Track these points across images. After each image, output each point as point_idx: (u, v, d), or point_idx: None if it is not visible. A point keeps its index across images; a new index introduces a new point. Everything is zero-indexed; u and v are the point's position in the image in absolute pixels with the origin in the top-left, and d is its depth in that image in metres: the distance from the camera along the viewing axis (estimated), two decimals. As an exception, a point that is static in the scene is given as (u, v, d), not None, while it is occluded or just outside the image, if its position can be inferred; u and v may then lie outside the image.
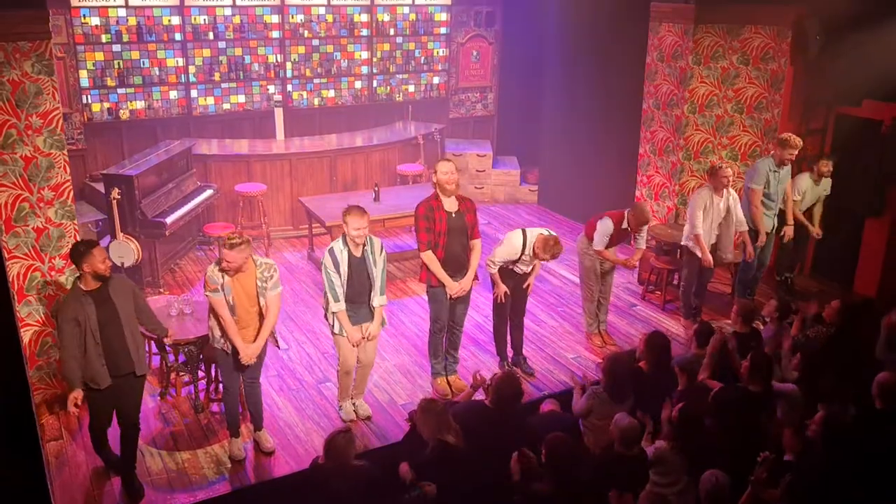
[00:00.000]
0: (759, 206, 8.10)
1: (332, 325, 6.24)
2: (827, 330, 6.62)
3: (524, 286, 7.15)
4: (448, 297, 6.67)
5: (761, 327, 6.97)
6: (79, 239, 6.33)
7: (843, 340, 6.47)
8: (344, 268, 6.07)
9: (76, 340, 5.22)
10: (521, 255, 6.89)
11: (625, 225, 7.43)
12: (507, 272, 7.00)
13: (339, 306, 6.12)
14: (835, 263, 9.31)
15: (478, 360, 7.51)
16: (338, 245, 6.11)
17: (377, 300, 6.24)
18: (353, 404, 6.62)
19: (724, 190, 7.78)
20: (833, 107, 8.97)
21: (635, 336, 7.91)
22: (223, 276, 5.63)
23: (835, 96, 8.71)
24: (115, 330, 5.36)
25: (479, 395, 5.82)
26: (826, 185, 8.65)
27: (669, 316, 8.52)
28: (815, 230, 8.73)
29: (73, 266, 5.36)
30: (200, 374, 6.65)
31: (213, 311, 5.74)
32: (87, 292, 5.28)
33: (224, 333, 5.73)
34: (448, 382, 7.03)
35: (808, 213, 8.75)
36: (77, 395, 5.25)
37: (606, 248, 7.45)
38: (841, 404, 5.55)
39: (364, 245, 6.12)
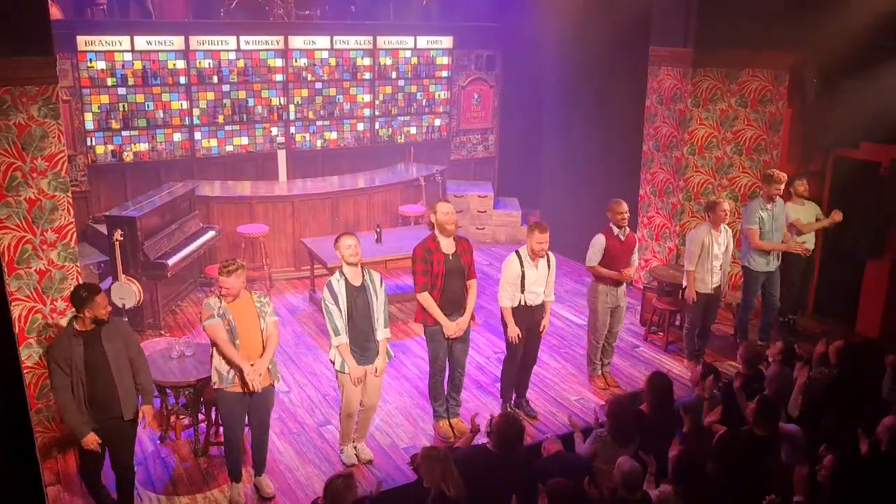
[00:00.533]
0: (762, 242, 8.14)
1: (336, 364, 6.18)
2: (830, 371, 6.60)
3: (539, 329, 7.10)
4: (446, 337, 6.66)
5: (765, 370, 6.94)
6: (81, 282, 6.36)
7: (847, 381, 6.44)
8: (343, 301, 6.02)
9: (67, 382, 5.21)
10: (522, 272, 6.83)
11: (616, 231, 7.40)
12: (520, 311, 6.92)
13: (341, 339, 6.06)
14: (837, 304, 9.31)
15: (480, 402, 7.47)
16: (335, 278, 6.11)
17: (381, 333, 6.19)
18: (355, 448, 6.58)
19: (722, 226, 7.81)
20: (831, 149, 9.04)
21: (638, 377, 7.90)
22: (221, 302, 5.65)
23: (833, 139, 8.79)
24: (103, 373, 5.29)
25: (482, 438, 5.78)
26: (812, 210, 8.64)
27: (672, 357, 8.50)
28: (833, 217, 8.50)
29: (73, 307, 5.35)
30: (200, 417, 6.61)
31: (214, 344, 5.67)
32: (79, 333, 5.26)
33: (229, 363, 5.63)
34: (451, 425, 6.98)
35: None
36: (91, 438, 5.27)
37: (607, 267, 7.41)
38: (846, 446, 5.49)
39: (364, 276, 6.12)
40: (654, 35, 9.49)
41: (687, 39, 9.03)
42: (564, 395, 7.69)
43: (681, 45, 9.10)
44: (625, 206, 7.44)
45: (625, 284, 7.59)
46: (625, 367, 8.28)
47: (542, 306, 7.02)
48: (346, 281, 6.06)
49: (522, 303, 6.89)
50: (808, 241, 8.60)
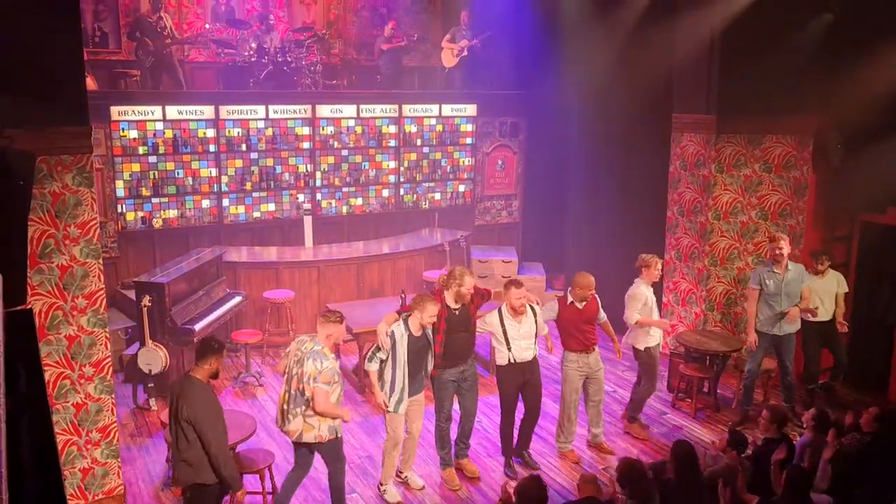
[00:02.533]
0: (752, 307, 8.08)
1: (390, 405, 6.49)
2: (862, 438, 6.46)
3: (538, 383, 7.23)
4: (456, 386, 6.86)
5: (797, 438, 6.81)
6: (108, 347, 6.44)
7: (881, 448, 6.29)
8: (402, 347, 6.38)
9: (223, 436, 5.40)
10: (503, 328, 6.90)
11: (570, 300, 7.27)
12: (512, 368, 6.98)
13: (372, 366, 6.48)
14: (868, 372, 9.14)
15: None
16: (399, 329, 6.44)
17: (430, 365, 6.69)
18: (405, 477, 6.93)
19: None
20: (858, 214, 9.00)
21: (666, 444, 7.76)
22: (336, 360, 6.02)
23: (859, 204, 8.76)
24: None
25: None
26: (833, 280, 8.38)
27: (701, 424, 8.36)
28: (839, 322, 8.43)
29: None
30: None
31: (324, 404, 5.86)
32: (208, 385, 5.50)
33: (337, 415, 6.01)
34: (460, 466, 7.14)
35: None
36: (243, 494, 5.62)
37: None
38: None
39: (425, 328, 6.51)
40: (676, 102, 9.59)
41: (709, 106, 9.11)
42: (586, 458, 7.56)
43: (703, 112, 9.18)
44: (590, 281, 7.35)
45: (597, 351, 7.44)
46: (652, 434, 8.15)
47: (533, 362, 7.08)
48: (410, 333, 6.42)
49: (512, 360, 6.98)
50: (821, 310, 8.32)
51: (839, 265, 9.12)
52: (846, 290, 8.41)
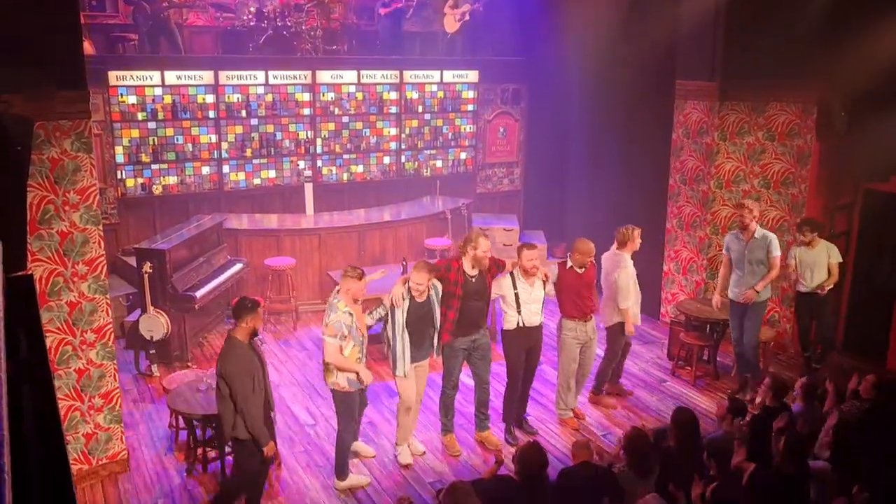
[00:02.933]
0: (723, 270, 8.16)
1: (395, 368, 6.58)
2: (862, 405, 6.49)
3: (539, 350, 7.35)
4: (466, 354, 6.91)
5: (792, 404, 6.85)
6: (110, 314, 6.45)
7: (880, 416, 6.33)
8: (400, 311, 6.42)
9: (251, 394, 5.53)
10: (515, 292, 6.94)
11: (569, 265, 7.28)
12: (520, 332, 7.04)
13: (368, 320, 6.49)
14: (867, 340, 9.16)
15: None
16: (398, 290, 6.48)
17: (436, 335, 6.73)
18: (408, 444, 6.98)
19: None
20: (861, 182, 8.96)
21: (665, 412, 7.81)
22: (351, 316, 6.09)
23: (862, 172, 8.71)
24: (266, 380, 5.79)
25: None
26: (824, 250, 8.19)
27: (700, 392, 8.40)
28: (820, 289, 8.25)
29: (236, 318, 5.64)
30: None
31: (332, 356, 6.10)
32: (247, 344, 5.63)
33: (349, 370, 6.18)
34: (482, 438, 7.25)
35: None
36: (272, 445, 5.78)
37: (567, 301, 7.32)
38: (880, 485, 5.37)
39: (429, 292, 6.51)
40: (679, 68, 9.50)
41: (713, 73, 9.04)
42: (590, 428, 7.61)
43: (707, 79, 9.11)
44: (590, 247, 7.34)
45: (594, 320, 7.46)
46: (652, 401, 8.19)
47: (540, 327, 7.16)
48: (411, 298, 6.45)
49: (521, 324, 7.02)
50: (808, 281, 8.25)
51: (841, 234, 9.11)
52: (839, 259, 8.26)
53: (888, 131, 8.04)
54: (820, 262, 8.21)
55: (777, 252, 7.84)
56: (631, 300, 7.59)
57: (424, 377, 6.92)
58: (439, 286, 6.66)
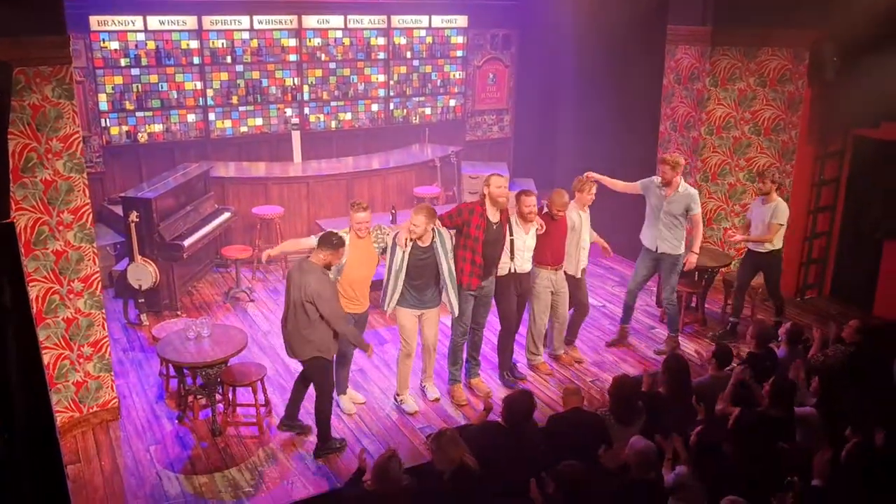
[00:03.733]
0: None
1: (388, 305, 6.63)
2: (846, 349, 6.57)
3: (530, 296, 7.36)
4: (473, 298, 6.91)
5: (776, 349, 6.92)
6: (97, 263, 6.42)
7: (863, 360, 6.41)
8: (399, 255, 6.45)
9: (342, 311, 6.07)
10: (511, 239, 6.93)
11: (545, 211, 7.23)
12: (511, 278, 7.06)
13: (376, 245, 6.64)
14: (854, 287, 9.25)
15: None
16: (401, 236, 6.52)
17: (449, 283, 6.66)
18: (424, 386, 7.13)
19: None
20: (851, 129, 8.92)
21: (654, 359, 7.89)
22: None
23: (852, 118, 8.66)
24: None
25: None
26: (770, 209, 7.88)
27: (688, 338, 8.45)
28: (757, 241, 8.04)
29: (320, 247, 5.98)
30: (217, 397, 6.63)
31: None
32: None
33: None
34: (472, 385, 7.26)
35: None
36: (372, 347, 6.31)
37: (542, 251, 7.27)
38: (864, 427, 5.45)
39: (434, 240, 6.50)
40: (671, 13, 9.36)
41: (705, 17, 8.91)
42: (581, 376, 7.67)
43: (699, 24, 8.98)
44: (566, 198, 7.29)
45: (563, 270, 7.47)
46: (640, 348, 8.25)
47: (529, 274, 7.19)
48: (415, 243, 6.46)
49: (512, 270, 7.04)
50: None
51: (831, 181, 9.12)
52: (780, 221, 7.86)
53: (878, 78, 8.01)
54: (765, 220, 7.95)
55: (698, 209, 7.69)
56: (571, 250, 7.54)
57: (434, 325, 6.88)
58: (446, 236, 6.60)
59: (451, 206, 7.33)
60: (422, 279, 6.56)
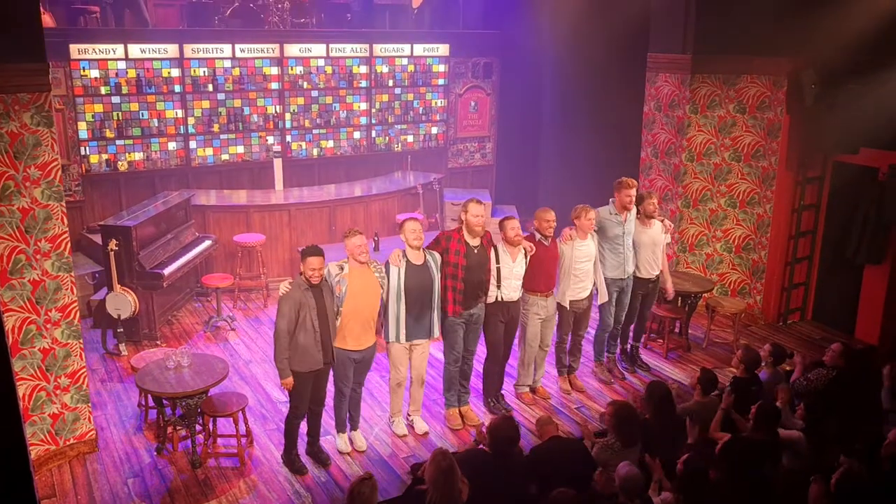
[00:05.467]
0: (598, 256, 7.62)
1: (387, 334, 6.57)
2: (828, 373, 6.58)
3: (516, 325, 7.27)
4: (463, 326, 6.85)
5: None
6: (75, 292, 6.32)
7: (845, 383, 6.41)
8: (395, 276, 6.39)
9: (291, 327, 5.93)
10: (497, 266, 6.88)
11: (537, 237, 7.13)
12: (497, 306, 7.00)
13: (377, 274, 6.46)
14: (835, 311, 9.28)
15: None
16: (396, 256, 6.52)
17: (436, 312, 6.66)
18: (412, 420, 7.01)
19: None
20: (830, 155, 9.00)
21: (638, 384, 7.87)
22: (343, 270, 6.25)
23: (832, 144, 8.72)
24: (325, 322, 6.03)
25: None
26: (658, 230, 7.80)
27: (673, 364, 8.44)
28: (667, 286, 8.05)
29: None
30: (197, 428, 6.52)
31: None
32: (310, 287, 5.94)
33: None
34: (460, 413, 7.17)
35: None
36: (290, 381, 6.06)
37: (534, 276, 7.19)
38: (849, 451, 5.43)
39: (427, 257, 6.53)
40: (652, 41, 9.46)
41: (685, 46, 9.00)
42: (565, 402, 7.62)
43: (679, 52, 9.07)
44: (552, 215, 7.22)
45: (553, 296, 7.38)
46: (625, 373, 8.21)
47: (517, 302, 7.12)
48: (408, 260, 6.44)
49: (499, 298, 6.99)
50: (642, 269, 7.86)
51: (811, 206, 9.19)
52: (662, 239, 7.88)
53: (858, 104, 8.10)
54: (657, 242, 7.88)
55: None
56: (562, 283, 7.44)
57: (425, 358, 6.83)
58: (438, 258, 6.58)
59: (435, 234, 7.32)
60: (418, 304, 6.49)
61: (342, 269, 6.23)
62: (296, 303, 5.92)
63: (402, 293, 6.41)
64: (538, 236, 7.17)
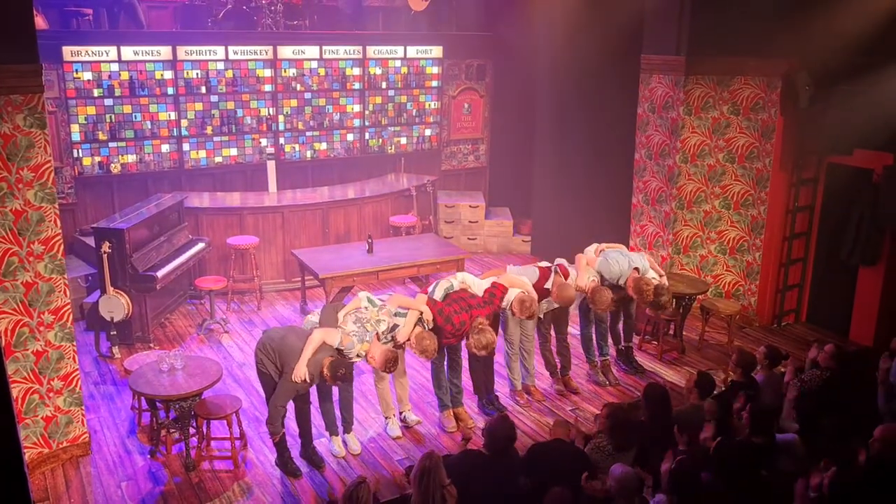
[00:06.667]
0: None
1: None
2: (822, 374, 6.57)
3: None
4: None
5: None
6: (68, 295, 6.29)
7: (839, 384, 6.41)
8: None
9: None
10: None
11: (548, 285, 7.33)
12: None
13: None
14: (830, 312, 9.29)
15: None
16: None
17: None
18: (403, 415, 7.07)
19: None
20: (824, 156, 9.01)
21: (634, 387, 7.86)
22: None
23: (826, 146, 8.74)
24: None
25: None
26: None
27: (667, 366, 8.43)
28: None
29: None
30: (191, 431, 6.49)
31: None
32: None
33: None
34: (455, 415, 7.16)
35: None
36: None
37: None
38: (844, 452, 5.43)
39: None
40: (645, 43, 9.45)
41: (679, 47, 9.00)
42: (559, 404, 7.61)
43: (672, 53, 9.07)
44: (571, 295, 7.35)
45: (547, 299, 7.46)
46: (619, 376, 8.20)
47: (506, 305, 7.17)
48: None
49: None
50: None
51: (805, 207, 9.20)
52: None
53: (852, 105, 8.12)
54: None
55: None
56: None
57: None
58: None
59: (427, 238, 7.31)
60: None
61: (359, 356, 6.29)
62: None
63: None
64: (551, 279, 7.42)
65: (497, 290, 7.01)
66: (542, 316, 7.56)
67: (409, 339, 6.43)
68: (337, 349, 6.08)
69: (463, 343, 7.04)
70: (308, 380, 5.93)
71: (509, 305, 7.04)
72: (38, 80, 5.88)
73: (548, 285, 7.35)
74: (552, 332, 7.82)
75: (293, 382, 5.92)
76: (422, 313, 6.51)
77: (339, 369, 5.90)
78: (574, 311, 8.01)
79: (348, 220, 10.89)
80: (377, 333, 6.31)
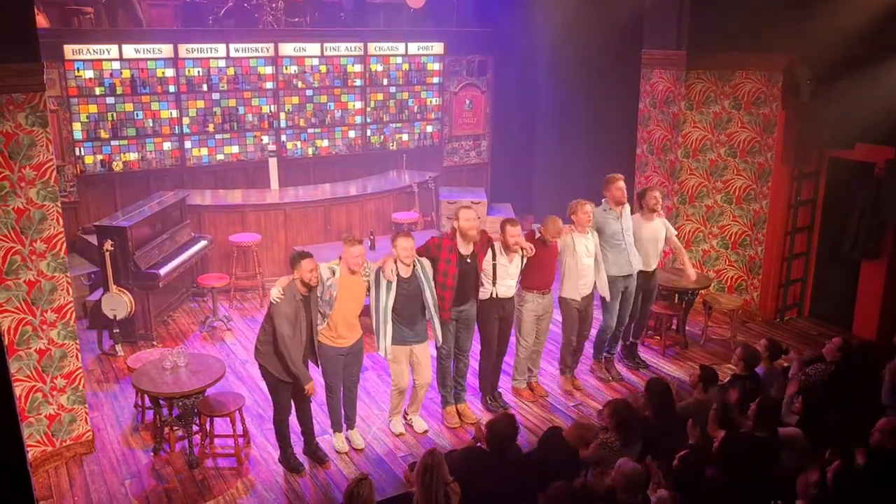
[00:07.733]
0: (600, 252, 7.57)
1: (384, 348, 6.52)
2: (826, 367, 6.57)
3: (512, 321, 7.26)
4: (454, 324, 6.87)
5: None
6: (70, 293, 6.29)
7: (844, 378, 6.40)
8: (384, 289, 6.35)
9: (293, 331, 5.93)
10: (494, 264, 6.88)
11: (537, 236, 7.15)
12: (492, 303, 7.01)
13: (364, 278, 6.44)
14: (833, 306, 9.28)
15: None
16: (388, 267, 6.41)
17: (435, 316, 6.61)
18: (410, 419, 7.02)
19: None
20: (826, 150, 9.00)
21: (636, 381, 7.86)
22: (335, 275, 6.20)
23: (827, 140, 8.74)
24: (310, 331, 6.15)
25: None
26: (660, 225, 7.86)
27: (670, 361, 8.44)
28: (687, 274, 7.95)
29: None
30: (195, 428, 6.50)
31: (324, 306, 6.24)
32: (303, 296, 5.97)
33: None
34: (458, 411, 7.17)
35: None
36: (311, 385, 6.14)
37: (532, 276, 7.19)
38: (848, 446, 5.42)
39: (415, 269, 6.44)
40: (646, 38, 9.45)
41: (680, 42, 9.00)
42: (562, 400, 7.61)
43: (673, 48, 9.07)
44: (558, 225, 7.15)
45: (551, 294, 7.37)
46: (623, 370, 8.20)
47: (511, 299, 7.12)
48: (398, 275, 6.40)
49: (494, 295, 7.00)
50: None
51: (807, 201, 9.18)
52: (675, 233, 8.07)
53: (853, 99, 8.10)
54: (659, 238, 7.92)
55: None
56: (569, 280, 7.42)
57: (428, 365, 6.80)
58: (427, 265, 6.53)
59: (429, 235, 7.30)
60: (410, 311, 6.49)
61: (333, 273, 6.21)
62: (293, 311, 5.92)
63: (390, 308, 6.39)
64: (537, 235, 7.17)
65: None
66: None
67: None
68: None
69: (473, 341, 7.08)
70: (282, 294, 5.93)
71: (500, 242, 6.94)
72: (39, 79, 5.88)
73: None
74: (573, 336, 7.70)
75: (280, 316, 5.92)
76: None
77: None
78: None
79: (350, 217, 10.89)
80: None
